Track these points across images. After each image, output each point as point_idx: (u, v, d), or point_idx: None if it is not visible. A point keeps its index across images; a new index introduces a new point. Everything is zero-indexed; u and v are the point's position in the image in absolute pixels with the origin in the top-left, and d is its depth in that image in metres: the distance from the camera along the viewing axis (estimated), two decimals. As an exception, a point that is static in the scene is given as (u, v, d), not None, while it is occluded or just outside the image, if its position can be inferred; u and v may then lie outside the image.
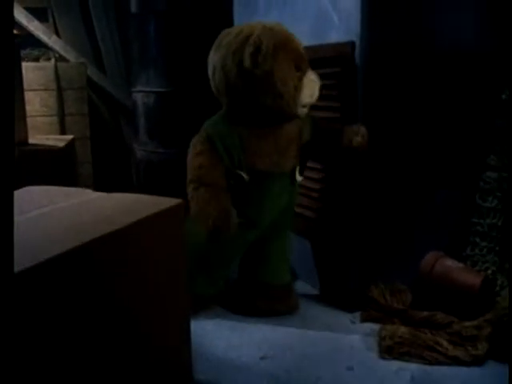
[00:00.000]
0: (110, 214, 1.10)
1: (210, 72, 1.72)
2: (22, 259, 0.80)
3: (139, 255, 1.09)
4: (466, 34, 1.81)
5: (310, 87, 1.67)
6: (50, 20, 3.42)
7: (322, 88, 1.69)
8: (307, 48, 1.70)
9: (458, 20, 1.79)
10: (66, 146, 2.56)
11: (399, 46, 1.72)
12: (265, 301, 1.86)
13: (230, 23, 2.57)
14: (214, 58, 1.69)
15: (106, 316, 0.99)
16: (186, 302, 1.30)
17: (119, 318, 1.03)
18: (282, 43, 1.61)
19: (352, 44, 1.68)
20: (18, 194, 1.19)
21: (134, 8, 2.93)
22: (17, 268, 0.76)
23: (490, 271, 1.79)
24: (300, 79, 1.64)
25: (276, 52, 1.58)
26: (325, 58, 1.78)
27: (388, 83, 1.74)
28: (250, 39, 1.59)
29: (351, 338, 1.69)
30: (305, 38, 1.75)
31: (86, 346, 0.93)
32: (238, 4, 2.51)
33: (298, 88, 1.63)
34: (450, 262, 1.75)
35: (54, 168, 2.41)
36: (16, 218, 0.97)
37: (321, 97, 1.70)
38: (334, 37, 1.74)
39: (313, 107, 1.72)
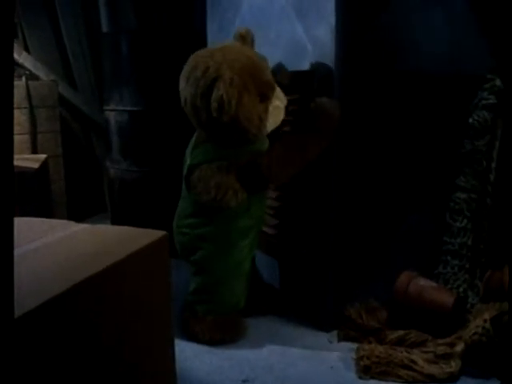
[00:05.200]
0: (96, 251, 1.11)
1: (182, 100, 1.77)
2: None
3: (126, 291, 1.11)
4: (437, 60, 1.87)
5: (275, 114, 1.75)
6: (20, 36, 3.38)
7: (287, 108, 1.78)
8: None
9: (430, 45, 1.85)
10: (41, 166, 2.55)
11: (372, 73, 1.78)
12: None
13: (204, 43, 2.59)
14: (184, 90, 1.74)
15: (96, 354, 1.01)
16: (170, 331, 1.32)
17: (108, 353, 1.05)
18: (248, 82, 1.66)
19: (311, 72, 1.74)
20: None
21: (105, 27, 2.93)
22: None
23: (461, 289, 1.85)
24: (266, 109, 1.72)
25: (241, 97, 1.64)
26: (284, 85, 1.82)
27: (360, 109, 1.79)
28: (216, 88, 1.62)
29: (330, 358, 1.73)
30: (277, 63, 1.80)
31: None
32: (211, 24, 2.54)
33: (263, 119, 1.72)
34: (423, 282, 1.81)
35: (29, 189, 2.41)
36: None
37: (282, 123, 1.80)
38: (308, 64, 1.78)
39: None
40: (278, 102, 1.75)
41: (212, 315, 1.85)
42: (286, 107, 1.78)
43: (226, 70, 1.63)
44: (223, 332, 1.86)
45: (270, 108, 1.73)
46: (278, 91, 1.76)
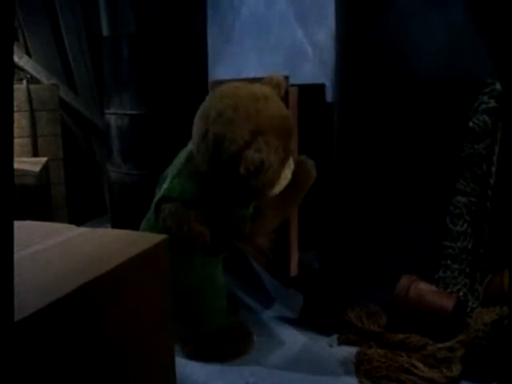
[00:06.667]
0: (96, 255, 1.11)
1: (201, 130, 1.61)
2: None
3: (126, 295, 1.11)
4: (437, 64, 1.88)
5: (282, 184, 1.65)
6: (21, 40, 3.39)
7: None
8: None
9: (430, 50, 1.85)
10: (41, 169, 2.55)
11: (372, 77, 1.78)
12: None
13: (204, 47, 2.60)
14: (212, 123, 1.57)
15: (96, 357, 1.00)
16: (170, 335, 1.32)
17: (108, 356, 1.05)
18: (281, 147, 1.55)
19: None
20: None
21: (105, 31, 2.94)
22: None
23: (461, 293, 1.85)
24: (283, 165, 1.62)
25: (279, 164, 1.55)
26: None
27: (360, 113, 1.80)
28: (257, 148, 1.49)
29: (330, 363, 1.72)
30: (278, 68, 1.80)
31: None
32: (211, 28, 2.55)
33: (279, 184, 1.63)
34: (423, 286, 1.81)
35: (29, 192, 2.41)
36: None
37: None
38: (309, 68, 1.79)
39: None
40: (288, 171, 1.65)
41: (202, 334, 1.80)
42: None
43: (269, 130, 1.52)
44: (231, 346, 1.82)
45: (286, 171, 1.64)
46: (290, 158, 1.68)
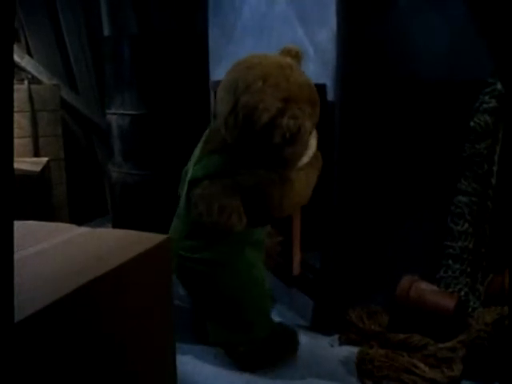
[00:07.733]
0: (97, 255, 1.11)
1: (222, 111, 1.58)
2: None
3: (128, 295, 1.11)
4: (438, 65, 1.87)
5: (312, 147, 1.67)
6: (22, 40, 3.39)
7: None
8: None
9: (431, 50, 1.85)
10: (42, 170, 2.55)
11: (373, 77, 1.78)
12: None
13: (205, 47, 2.60)
14: (242, 94, 1.52)
15: (97, 358, 1.00)
16: (171, 335, 1.32)
17: (109, 357, 1.05)
18: (312, 113, 1.57)
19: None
20: None
21: (106, 31, 2.95)
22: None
23: (462, 293, 1.85)
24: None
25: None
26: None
27: (362, 113, 1.79)
28: (292, 116, 1.49)
29: (332, 363, 1.72)
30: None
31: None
32: (213, 28, 2.55)
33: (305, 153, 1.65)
34: (424, 286, 1.81)
35: (31, 192, 2.41)
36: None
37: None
38: (311, 68, 1.79)
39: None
40: (313, 141, 1.66)
41: (257, 344, 1.72)
42: None
43: (300, 97, 1.52)
44: (278, 350, 1.74)
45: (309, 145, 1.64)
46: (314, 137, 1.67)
